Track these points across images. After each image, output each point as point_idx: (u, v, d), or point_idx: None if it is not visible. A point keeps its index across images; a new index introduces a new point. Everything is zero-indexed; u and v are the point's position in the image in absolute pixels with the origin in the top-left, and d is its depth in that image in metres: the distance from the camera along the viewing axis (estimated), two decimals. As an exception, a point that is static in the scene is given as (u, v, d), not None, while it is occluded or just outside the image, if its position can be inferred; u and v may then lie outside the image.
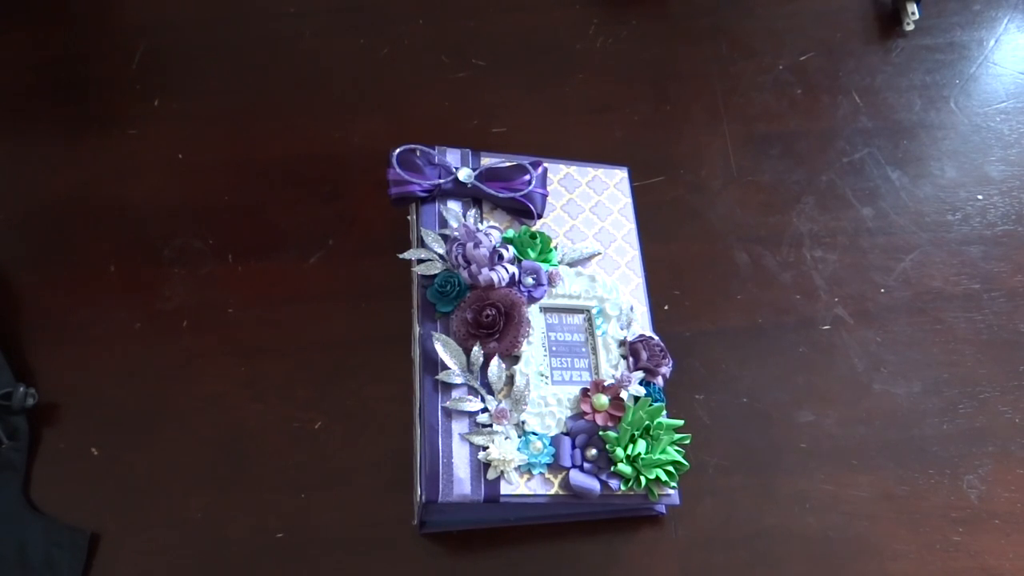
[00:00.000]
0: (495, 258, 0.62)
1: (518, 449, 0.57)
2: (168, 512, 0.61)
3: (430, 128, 0.77)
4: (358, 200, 0.73)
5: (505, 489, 0.56)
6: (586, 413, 0.59)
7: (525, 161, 0.67)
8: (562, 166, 0.70)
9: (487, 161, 0.68)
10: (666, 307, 0.69)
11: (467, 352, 0.59)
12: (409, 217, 0.67)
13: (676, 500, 0.59)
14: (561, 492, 0.57)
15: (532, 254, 0.64)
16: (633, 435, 0.58)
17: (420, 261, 0.63)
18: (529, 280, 0.63)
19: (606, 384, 0.60)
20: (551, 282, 0.63)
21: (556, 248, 0.65)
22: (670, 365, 0.62)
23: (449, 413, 0.58)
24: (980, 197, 0.75)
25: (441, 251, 0.63)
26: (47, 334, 0.68)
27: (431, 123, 0.77)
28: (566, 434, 0.58)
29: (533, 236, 0.64)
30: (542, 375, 0.60)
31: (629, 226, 0.69)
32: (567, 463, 0.57)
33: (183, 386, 0.66)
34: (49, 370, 0.66)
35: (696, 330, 0.68)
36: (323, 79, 0.80)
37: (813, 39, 0.83)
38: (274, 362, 0.67)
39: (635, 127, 0.78)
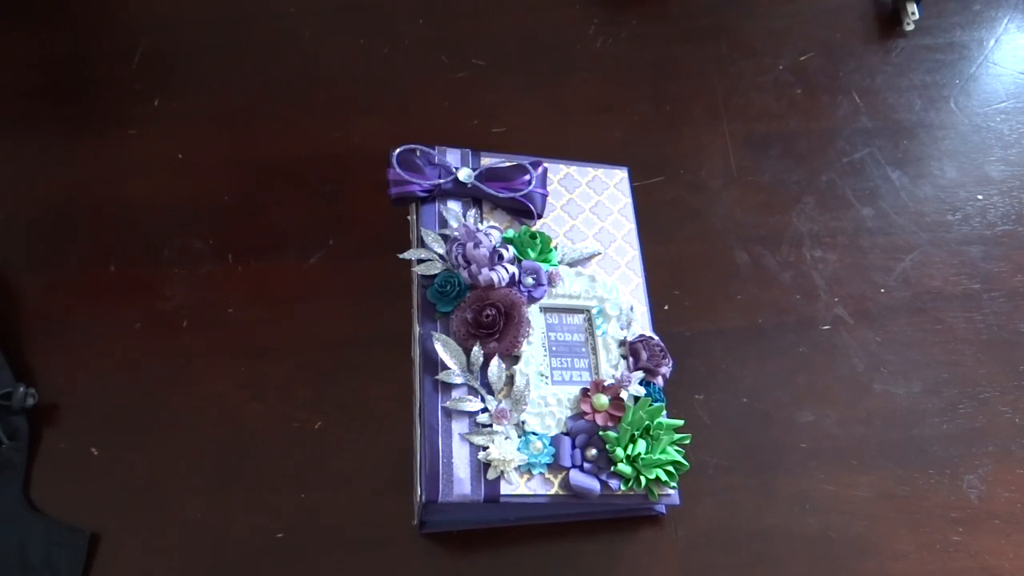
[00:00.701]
0: (495, 258, 0.62)
1: (518, 449, 0.57)
2: (168, 512, 0.61)
3: (430, 128, 0.77)
4: (358, 200, 0.73)
5: (505, 489, 0.56)
6: (586, 413, 0.59)
7: (525, 161, 0.67)
8: (562, 166, 0.70)
9: (487, 161, 0.68)
10: (666, 307, 0.69)
11: (467, 352, 0.59)
12: (409, 217, 0.67)
13: (676, 500, 0.59)
14: (561, 492, 0.57)
15: (532, 254, 0.64)
16: (633, 435, 0.58)
17: (420, 261, 0.63)
18: (529, 280, 0.63)
19: (606, 384, 0.60)
20: (551, 282, 0.63)
21: (556, 248, 0.65)
22: (670, 365, 0.62)
23: (449, 413, 0.58)
24: (980, 197, 0.75)
25: (441, 251, 0.63)
26: (47, 334, 0.68)
27: (431, 123, 0.77)
28: (566, 434, 0.58)
29: (533, 236, 0.64)
30: (542, 375, 0.60)
31: (629, 226, 0.69)
32: (567, 463, 0.57)
33: (183, 386, 0.66)
34: (49, 370, 0.66)
35: (696, 330, 0.68)
36: (323, 79, 0.80)
37: (813, 39, 0.83)
38: (274, 362, 0.67)
39: (635, 127, 0.78)
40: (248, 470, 0.63)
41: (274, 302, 0.69)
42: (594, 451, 0.58)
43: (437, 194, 0.65)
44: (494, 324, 0.60)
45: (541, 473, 0.57)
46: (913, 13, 0.82)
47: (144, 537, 0.60)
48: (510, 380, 0.59)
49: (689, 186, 0.75)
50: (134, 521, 0.61)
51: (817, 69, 0.81)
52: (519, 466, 0.57)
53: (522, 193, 0.65)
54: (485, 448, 0.57)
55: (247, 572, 0.60)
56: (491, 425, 0.58)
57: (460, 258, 0.62)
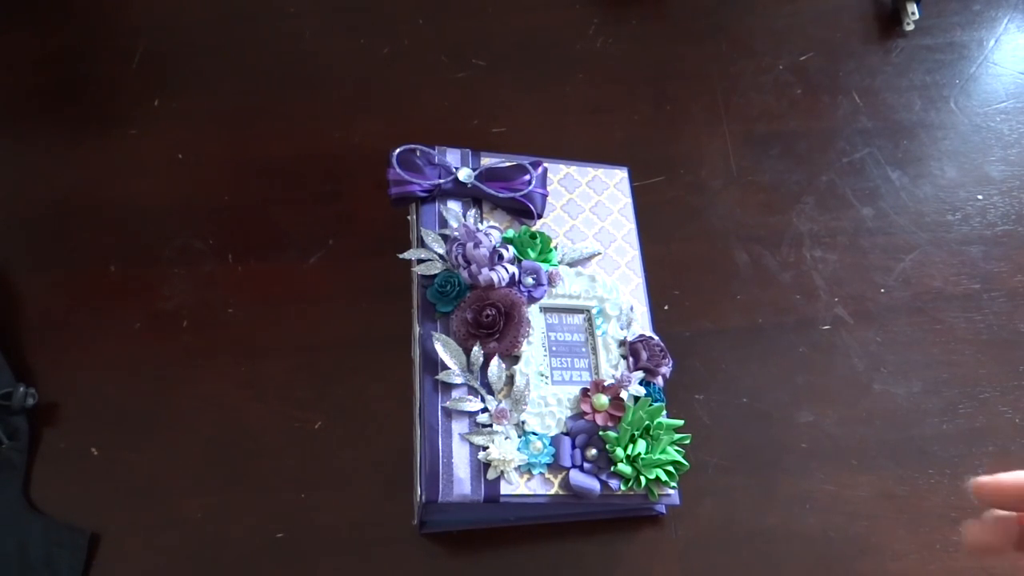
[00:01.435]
0: (495, 258, 0.62)
1: (518, 449, 0.57)
2: (168, 512, 0.61)
3: (430, 128, 0.77)
4: (358, 200, 0.73)
5: (505, 489, 0.56)
6: (586, 413, 0.59)
7: (525, 161, 0.67)
8: (562, 166, 0.70)
9: (487, 161, 0.68)
10: (666, 307, 0.69)
11: (467, 352, 0.59)
12: (409, 217, 0.67)
13: (676, 500, 0.59)
14: (561, 492, 0.57)
15: (532, 254, 0.64)
16: (633, 435, 0.58)
17: (420, 261, 0.63)
18: (529, 280, 0.63)
19: (606, 384, 0.60)
20: (551, 282, 0.63)
21: (556, 248, 0.65)
22: (670, 365, 0.62)
23: (449, 413, 0.58)
24: (980, 197, 0.75)
25: (441, 251, 0.63)
26: (47, 334, 0.68)
27: (431, 123, 0.77)
28: (566, 434, 0.58)
29: (533, 236, 0.64)
30: (542, 375, 0.60)
31: (629, 226, 0.69)
32: (567, 463, 0.57)
33: (183, 386, 0.66)
34: (49, 370, 0.66)
35: (696, 330, 0.68)
36: (323, 79, 0.80)
37: (813, 39, 0.83)
38: (274, 362, 0.67)
39: (635, 127, 0.78)
40: (248, 470, 0.63)
41: (274, 302, 0.69)
42: (594, 451, 0.58)
43: (437, 194, 0.65)
44: (494, 324, 0.60)
45: (541, 473, 0.57)
46: (913, 13, 0.82)
47: (144, 537, 0.60)
48: (510, 380, 0.59)
49: (689, 186, 0.75)
50: (134, 521, 0.61)
51: (817, 69, 0.81)
52: (519, 466, 0.57)
53: (522, 193, 0.65)
54: (485, 448, 0.57)
55: (247, 572, 0.60)
56: (491, 425, 0.58)
57: (460, 258, 0.62)
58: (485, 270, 0.61)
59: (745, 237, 0.73)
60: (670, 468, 0.58)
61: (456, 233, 0.63)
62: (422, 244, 0.64)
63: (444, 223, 0.65)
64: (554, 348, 0.62)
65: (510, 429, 0.58)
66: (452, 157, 0.67)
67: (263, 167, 0.75)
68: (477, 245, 0.61)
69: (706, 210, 0.74)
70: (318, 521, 0.61)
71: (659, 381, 0.61)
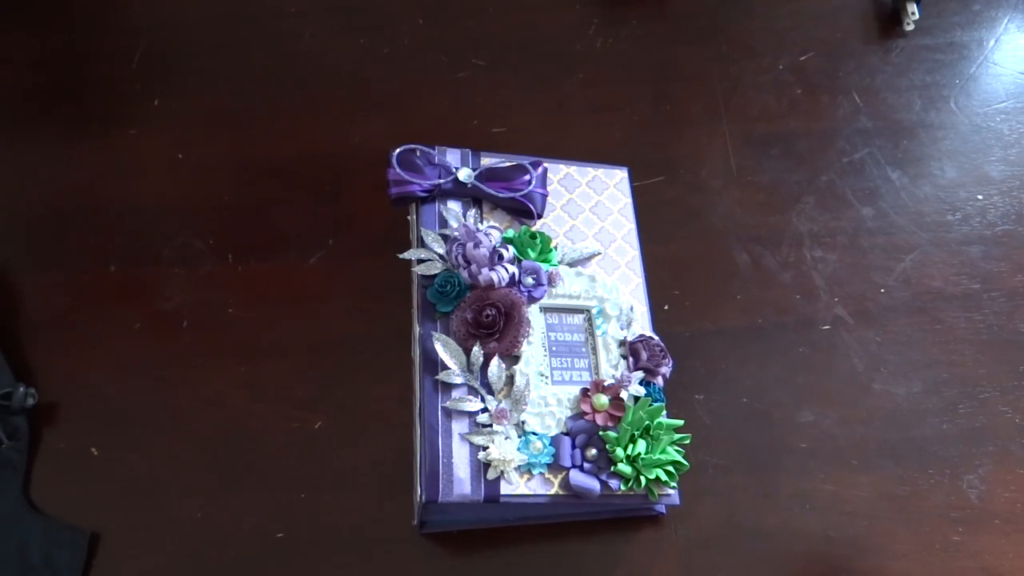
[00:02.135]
0: (495, 258, 0.62)
1: (518, 449, 0.57)
2: (168, 512, 0.61)
3: (430, 128, 0.77)
4: (358, 200, 0.73)
5: (505, 489, 0.56)
6: (586, 413, 0.59)
7: (525, 161, 0.67)
8: (562, 166, 0.70)
9: (487, 161, 0.68)
10: (666, 307, 0.69)
11: (467, 352, 0.59)
12: (409, 217, 0.67)
13: (676, 500, 0.59)
14: (561, 492, 0.57)
15: (532, 254, 0.64)
16: (633, 435, 0.58)
17: (420, 261, 0.63)
18: (529, 280, 0.63)
19: (606, 384, 0.60)
20: (551, 282, 0.63)
21: (556, 248, 0.65)
22: (670, 365, 0.62)
23: (449, 413, 0.58)
24: (980, 197, 0.75)
25: (441, 251, 0.63)
26: (47, 334, 0.68)
27: (431, 123, 0.77)
28: (566, 434, 0.58)
29: (533, 236, 0.64)
30: (542, 375, 0.60)
31: (629, 226, 0.69)
32: (567, 463, 0.57)
33: (183, 386, 0.66)
34: (49, 370, 0.66)
35: (696, 330, 0.68)
36: (323, 79, 0.80)
37: (813, 39, 0.83)
38: (274, 362, 0.67)
39: (635, 127, 0.78)
40: (248, 470, 0.63)
41: (274, 302, 0.69)
42: (594, 451, 0.58)
43: (437, 194, 0.65)
44: (494, 324, 0.60)
45: (541, 473, 0.57)
46: (913, 13, 0.82)
47: (144, 537, 0.60)
48: (510, 380, 0.59)
49: (689, 186, 0.75)
50: (134, 521, 0.61)
51: (817, 69, 0.81)
52: (519, 466, 0.57)
53: (522, 193, 0.65)
54: (485, 448, 0.57)
55: (247, 572, 0.60)
56: (491, 425, 0.58)
57: (460, 258, 0.62)
58: (485, 270, 0.61)
59: (745, 237, 0.73)
60: (670, 468, 0.58)
61: (456, 233, 0.63)
62: (422, 244, 0.64)
63: (444, 223, 0.65)
64: (554, 348, 0.62)
65: (510, 429, 0.58)
66: (452, 157, 0.67)
67: (263, 167, 0.75)
68: (477, 245, 0.61)
69: (706, 210, 0.74)
70: (318, 521, 0.61)
71: (659, 381, 0.61)
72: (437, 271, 0.62)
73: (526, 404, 0.59)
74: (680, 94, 0.80)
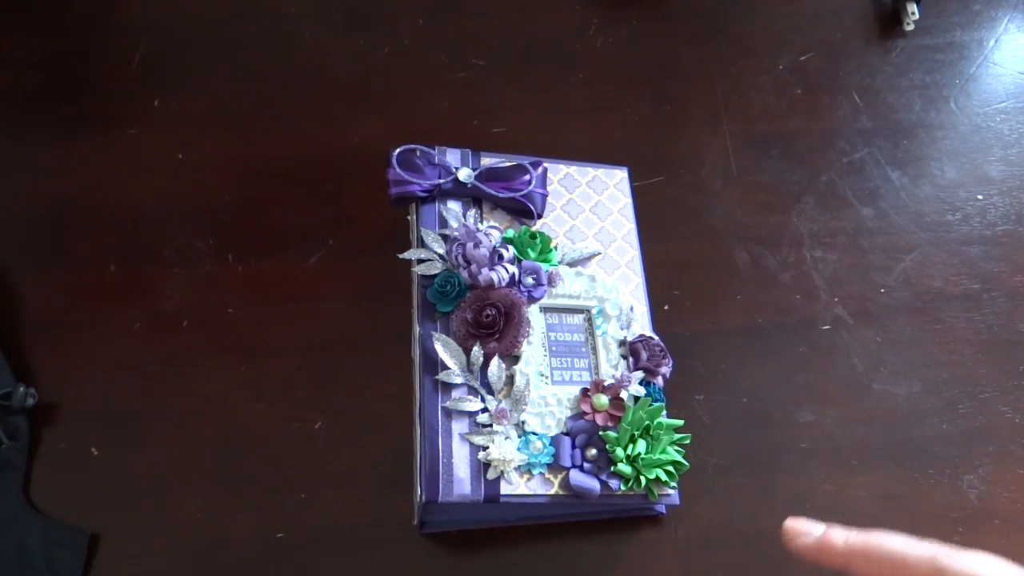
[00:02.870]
0: (495, 258, 0.62)
1: (518, 449, 0.57)
2: (168, 512, 0.61)
3: (430, 128, 0.77)
4: (358, 200, 0.73)
5: (505, 489, 0.56)
6: (586, 413, 0.59)
7: (525, 161, 0.67)
8: (562, 166, 0.70)
9: (487, 161, 0.68)
10: (666, 307, 0.69)
11: (467, 352, 0.59)
12: (409, 217, 0.67)
13: (676, 500, 0.59)
14: (561, 492, 0.57)
15: (532, 254, 0.64)
16: (633, 435, 0.58)
17: (420, 261, 0.63)
18: (529, 280, 0.63)
19: (606, 384, 0.60)
20: (551, 282, 0.63)
21: (556, 248, 0.65)
22: (670, 365, 0.62)
23: (449, 413, 0.58)
24: (980, 197, 0.75)
25: (441, 251, 0.63)
26: (47, 334, 0.68)
27: (431, 123, 0.77)
28: (566, 434, 0.58)
29: (533, 236, 0.64)
30: (542, 375, 0.60)
31: (629, 226, 0.69)
32: (567, 463, 0.57)
33: (183, 386, 0.66)
34: (49, 370, 0.66)
35: (696, 330, 0.68)
36: (323, 79, 0.80)
37: (813, 39, 0.83)
38: (274, 362, 0.67)
39: (635, 127, 0.78)
40: (248, 470, 0.63)
41: (274, 302, 0.69)
42: (594, 451, 0.58)
43: (437, 194, 0.65)
44: (494, 324, 0.60)
45: (541, 473, 0.57)
46: (913, 13, 0.82)
47: (144, 537, 0.60)
48: (510, 380, 0.59)
49: (689, 186, 0.75)
50: (134, 521, 0.61)
51: (817, 69, 0.81)
52: (519, 466, 0.57)
53: (522, 193, 0.65)
54: (485, 448, 0.57)
55: (247, 572, 0.60)
56: (491, 425, 0.58)
57: (460, 258, 0.62)
58: (485, 270, 0.61)
59: (745, 237, 0.73)
60: (670, 468, 0.58)
61: (456, 233, 0.63)
62: (422, 244, 0.64)
63: (444, 223, 0.65)
64: (554, 348, 0.62)
65: (510, 429, 0.58)
66: (452, 157, 0.67)
67: (263, 167, 0.75)
68: (477, 245, 0.61)
69: (706, 210, 0.74)
70: (318, 521, 0.61)
71: (659, 381, 0.61)
72: (437, 271, 0.62)
73: (526, 404, 0.59)
74: (680, 94, 0.80)
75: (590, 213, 0.68)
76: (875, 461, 0.64)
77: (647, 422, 0.58)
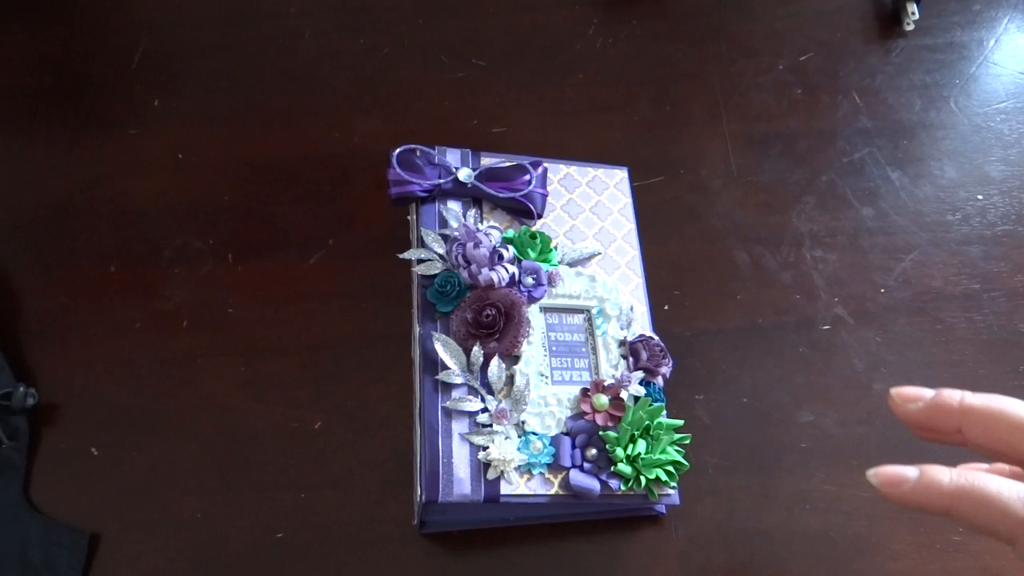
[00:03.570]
0: (495, 258, 0.62)
1: (518, 449, 0.57)
2: (168, 512, 0.61)
3: (430, 128, 0.77)
4: (358, 200, 0.73)
5: (505, 489, 0.56)
6: (586, 413, 0.59)
7: (525, 161, 0.67)
8: (562, 166, 0.70)
9: (487, 161, 0.68)
10: (666, 307, 0.69)
11: (467, 352, 0.59)
12: (409, 217, 0.67)
13: (676, 500, 0.59)
14: (561, 492, 0.57)
15: (532, 254, 0.64)
16: (633, 435, 0.58)
17: (420, 261, 0.63)
18: (529, 280, 0.63)
19: (606, 384, 0.60)
20: (551, 282, 0.63)
21: (556, 248, 0.65)
22: (670, 365, 0.62)
23: (449, 413, 0.58)
24: (980, 197, 0.75)
25: (441, 251, 0.63)
26: (47, 334, 0.68)
27: (431, 123, 0.77)
28: (566, 434, 0.58)
29: (533, 236, 0.64)
30: (542, 375, 0.60)
31: (629, 226, 0.69)
32: (567, 463, 0.57)
33: (183, 386, 0.66)
34: (49, 370, 0.66)
35: (696, 330, 0.68)
36: (323, 79, 0.80)
37: (813, 39, 0.83)
38: (274, 362, 0.67)
39: (635, 127, 0.78)
40: (248, 470, 0.63)
41: (274, 302, 0.69)
42: (594, 451, 0.58)
43: (437, 194, 0.65)
44: (494, 324, 0.60)
45: (541, 473, 0.57)
46: (913, 13, 0.82)
47: (144, 537, 0.60)
48: (510, 380, 0.59)
49: (689, 186, 0.75)
50: (134, 521, 0.61)
51: (817, 69, 0.81)
52: (519, 466, 0.57)
53: (522, 193, 0.65)
54: (485, 448, 0.57)
55: (247, 572, 0.60)
56: (491, 425, 0.58)
57: (460, 258, 0.62)
58: (485, 270, 0.61)
59: (745, 237, 0.73)
60: (670, 468, 0.58)
61: (456, 233, 0.63)
62: (422, 244, 0.64)
63: (444, 223, 0.65)
64: (554, 348, 0.62)
65: (510, 429, 0.58)
66: (452, 157, 0.67)
67: (263, 167, 0.75)
68: (477, 245, 0.61)
69: (706, 210, 0.74)
70: (318, 521, 0.61)
71: (659, 381, 0.61)
72: (437, 271, 0.62)
73: (526, 404, 0.59)
74: (680, 94, 0.80)
75: (590, 213, 0.68)
76: (875, 461, 0.63)
77: (647, 422, 0.58)
